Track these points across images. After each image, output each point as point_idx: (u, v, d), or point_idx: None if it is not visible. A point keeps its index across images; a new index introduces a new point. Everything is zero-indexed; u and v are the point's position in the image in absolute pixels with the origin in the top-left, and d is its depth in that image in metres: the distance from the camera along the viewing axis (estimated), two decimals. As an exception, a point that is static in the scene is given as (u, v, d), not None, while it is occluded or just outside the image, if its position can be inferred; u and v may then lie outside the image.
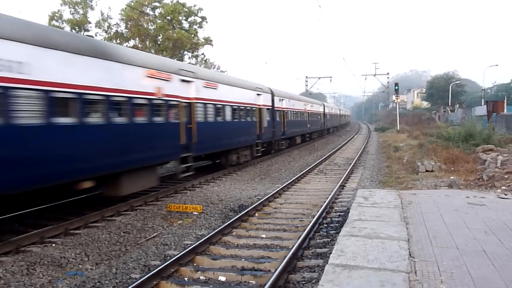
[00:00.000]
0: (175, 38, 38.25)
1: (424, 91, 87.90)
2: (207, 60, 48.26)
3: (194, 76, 14.37)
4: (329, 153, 27.51)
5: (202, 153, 15.80)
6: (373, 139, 43.73)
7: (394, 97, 54.39)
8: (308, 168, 19.80)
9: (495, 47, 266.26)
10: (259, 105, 21.98)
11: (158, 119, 11.92)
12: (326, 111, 45.14)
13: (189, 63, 43.71)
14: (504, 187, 12.45)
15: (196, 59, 44.20)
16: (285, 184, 15.25)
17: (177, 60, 41.00)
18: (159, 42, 40.32)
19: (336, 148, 31.49)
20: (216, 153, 17.78)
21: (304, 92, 71.38)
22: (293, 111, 30.71)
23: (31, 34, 7.96)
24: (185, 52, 41.95)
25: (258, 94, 21.95)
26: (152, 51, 39.73)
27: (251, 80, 22.69)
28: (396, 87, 46.68)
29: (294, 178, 16.71)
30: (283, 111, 27.58)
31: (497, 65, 68.40)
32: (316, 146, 35.72)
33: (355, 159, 23.66)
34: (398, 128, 47.23)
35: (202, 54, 43.20)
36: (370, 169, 20.04)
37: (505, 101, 41.77)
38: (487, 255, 5.93)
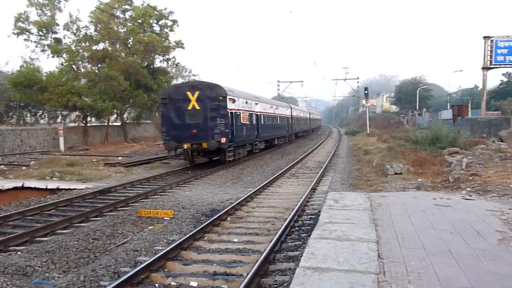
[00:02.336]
0: (146, 41, 37.88)
1: (392, 96, 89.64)
2: (179, 64, 48.04)
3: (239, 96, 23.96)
4: (301, 157, 27.67)
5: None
6: (343, 143, 44.26)
7: (363, 101, 55.28)
8: (280, 172, 19.86)
9: (460, 53, 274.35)
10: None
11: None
12: (294, 113, 39.71)
13: (160, 66, 43.38)
14: (468, 189, 12.80)
15: (167, 62, 43.91)
16: (257, 188, 15.25)
17: (147, 63, 40.72)
18: (129, 45, 39.84)
19: (308, 152, 31.70)
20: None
21: (276, 96, 71.87)
22: (247, 113, 25.17)
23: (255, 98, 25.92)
24: (156, 56, 41.59)
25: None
26: (123, 54, 39.24)
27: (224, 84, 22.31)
28: (366, 92, 47.42)
29: (266, 182, 16.73)
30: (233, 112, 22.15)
31: (461, 71, 71.18)
32: (288, 149, 35.87)
33: (326, 162, 23.89)
34: (368, 132, 47.90)
35: (173, 57, 43.03)
36: (341, 172, 20.26)
37: (470, 105, 42.95)
38: (452, 255, 6.09)
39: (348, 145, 40.88)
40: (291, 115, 42.25)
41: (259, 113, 28.14)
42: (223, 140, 20.71)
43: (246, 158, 26.80)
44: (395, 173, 17.13)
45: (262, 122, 29.31)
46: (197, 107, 20.37)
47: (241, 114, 23.50)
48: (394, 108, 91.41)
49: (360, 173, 19.85)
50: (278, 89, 65.08)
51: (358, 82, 63.61)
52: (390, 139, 33.87)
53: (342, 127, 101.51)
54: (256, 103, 27.47)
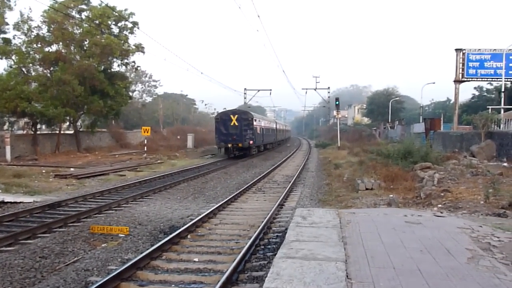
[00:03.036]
0: (103, 43, 37.38)
1: (364, 107, 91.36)
2: (138, 68, 47.60)
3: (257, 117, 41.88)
4: (268, 170, 27.80)
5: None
6: (313, 156, 44.78)
7: (335, 113, 56.09)
8: (246, 186, 19.88)
9: (432, 65, 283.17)
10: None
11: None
12: (255, 123, 43.53)
13: (118, 71, 42.88)
14: (440, 205, 13.16)
15: (126, 66, 43.42)
16: (221, 203, 15.22)
17: (104, 67, 40.18)
18: (85, 48, 39.21)
19: (276, 165, 31.88)
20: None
21: (243, 105, 72.08)
22: None
23: (261, 117, 49.43)
24: (114, 59, 41.06)
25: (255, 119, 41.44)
26: (77, 57, 38.58)
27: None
28: (337, 102, 48.25)
29: (230, 197, 16.72)
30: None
31: (434, 83, 73.01)
32: (254, 162, 36.01)
33: (295, 176, 24.08)
34: (339, 145, 48.66)
35: (133, 62, 42.59)
36: (310, 187, 20.47)
37: (442, 118, 44.12)
38: (422, 274, 6.24)
39: (318, 158, 41.39)
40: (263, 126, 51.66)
41: (263, 127, 46.42)
42: (251, 142, 39.63)
43: (210, 171, 27.42)
44: (366, 189, 17.45)
45: (264, 133, 46.94)
46: (236, 124, 39.15)
47: (257, 128, 42.31)
48: (366, 120, 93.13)
49: (330, 188, 20.11)
50: (245, 98, 65.30)
51: (329, 92, 64.53)
52: (361, 152, 34.50)
53: (312, 139, 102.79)
54: (260, 121, 45.38)
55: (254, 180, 22.24)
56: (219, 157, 40.35)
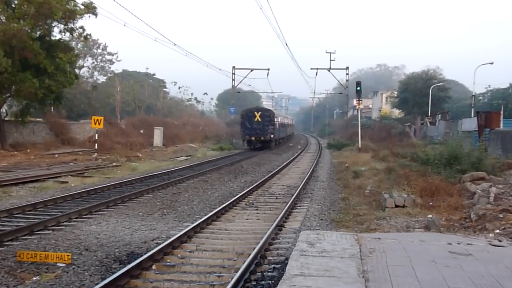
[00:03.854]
0: (39, 0, 37.13)
1: (395, 95, 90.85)
2: (88, 37, 46.95)
3: (278, 115, 66.73)
4: (263, 178, 27.83)
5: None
6: (324, 160, 44.90)
7: (355, 102, 56.25)
8: (233, 200, 19.87)
9: (489, 40, 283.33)
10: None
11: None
12: (276, 120, 58.57)
13: (60, 39, 42.55)
14: (498, 231, 13.12)
15: (72, 34, 43.06)
16: (198, 223, 15.18)
17: (40, 33, 39.90)
18: (13, 6, 38.97)
19: (273, 172, 31.95)
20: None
21: (230, 89, 72.11)
22: None
23: (279, 114, 75.62)
24: (55, 23, 40.79)
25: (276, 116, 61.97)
26: (3, 18, 38.34)
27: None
28: (358, 88, 48.20)
29: (211, 214, 16.68)
30: None
31: (492, 63, 71.92)
32: (245, 167, 36.10)
33: (299, 187, 24.11)
34: (360, 146, 48.72)
35: (81, 27, 42.21)
36: (320, 203, 20.48)
37: (502, 112, 43.63)
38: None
39: (331, 163, 41.54)
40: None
41: (280, 122, 66.22)
42: (272, 136, 58.31)
43: (184, 178, 27.74)
44: (396, 206, 17.49)
45: (280, 127, 66.72)
46: (259, 120, 57.49)
47: (277, 124, 60.89)
48: (397, 112, 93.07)
49: (346, 204, 20.15)
50: (233, 79, 65.35)
51: (347, 74, 64.66)
52: (390, 156, 34.65)
53: (323, 136, 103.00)
54: (278, 117, 64.28)
55: (244, 192, 22.25)
56: (197, 160, 41.77)
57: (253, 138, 58.27)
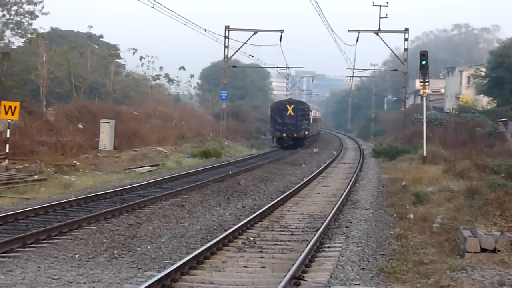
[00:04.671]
0: None
1: (483, 74, 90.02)
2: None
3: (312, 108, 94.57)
4: (272, 203, 27.74)
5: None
6: (368, 175, 44.84)
7: (418, 84, 55.94)
8: (223, 236, 19.75)
9: None
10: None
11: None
12: (311, 114, 64.92)
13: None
14: None
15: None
16: (168, 272, 15.06)
17: None
18: None
19: (288, 192, 31.94)
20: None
21: (222, 62, 72.04)
22: None
23: (313, 107, 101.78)
24: None
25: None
26: None
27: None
28: (424, 62, 48.06)
29: (189, 258, 16.57)
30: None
31: None
32: (244, 185, 36.14)
33: (329, 217, 24.00)
34: (425, 153, 48.57)
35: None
36: (361, 242, 20.39)
37: None
38: None
39: (378, 180, 41.71)
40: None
41: (314, 117, 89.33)
42: (306, 132, 78.84)
43: (148, 201, 28.00)
44: (483, 250, 17.31)
45: (314, 123, 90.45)
46: (292, 114, 76.65)
47: (311, 119, 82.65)
48: (485, 101, 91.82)
49: (403, 245, 20.03)
50: (226, 46, 65.23)
51: (407, 41, 64.35)
52: (473, 171, 34.40)
53: (367, 138, 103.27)
54: (312, 111, 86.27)
55: (241, 224, 22.14)
56: (168, 173, 42.58)
57: (284, 135, 73.48)
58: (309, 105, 76.45)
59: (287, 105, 69.61)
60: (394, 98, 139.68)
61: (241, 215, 25.15)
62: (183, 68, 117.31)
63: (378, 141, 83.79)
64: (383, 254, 18.84)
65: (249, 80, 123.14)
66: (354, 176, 42.29)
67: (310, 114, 71.46)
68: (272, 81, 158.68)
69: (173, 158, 53.19)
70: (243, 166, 48.13)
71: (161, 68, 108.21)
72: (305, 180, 38.63)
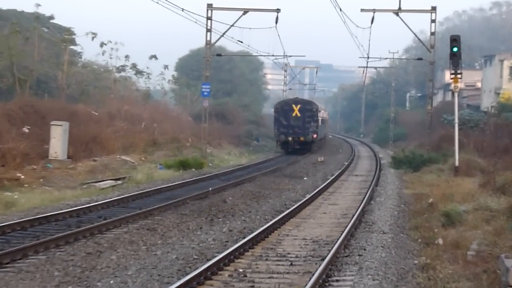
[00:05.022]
0: None
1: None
2: None
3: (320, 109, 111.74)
4: (266, 225, 27.73)
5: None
6: (387, 190, 44.92)
7: (448, 76, 55.92)
8: (206, 267, 19.72)
9: None
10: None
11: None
12: (320, 115, 66.24)
13: None
14: None
15: None
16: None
17: None
18: None
19: (286, 212, 31.95)
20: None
21: (204, 50, 72.08)
22: None
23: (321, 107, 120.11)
24: None
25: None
26: None
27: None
28: (455, 49, 48.22)
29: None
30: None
31: None
32: (231, 203, 36.14)
33: (337, 243, 23.98)
34: (457, 163, 48.67)
35: None
36: (378, 274, 20.41)
37: None
38: None
39: (399, 196, 41.83)
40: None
41: (322, 118, 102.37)
42: (314, 136, 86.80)
43: (112, 223, 28.02)
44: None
45: (322, 124, 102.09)
46: (299, 114, 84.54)
47: (319, 120, 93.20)
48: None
49: (430, 278, 20.03)
50: (209, 29, 65.19)
51: (434, 23, 64.48)
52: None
53: (384, 144, 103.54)
54: (321, 110, 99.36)
55: (228, 252, 22.09)
56: (136, 188, 42.72)
57: (290, 139, 79.26)
58: (318, 104, 78.79)
59: (293, 105, 72.32)
60: (419, 94, 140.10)
61: (227, 241, 25.08)
62: (155, 57, 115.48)
63: (398, 148, 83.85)
64: (406, 290, 18.83)
65: (237, 72, 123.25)
66: (369, 192, 42.33)
67: (318, 115, 73.57)
68: (266, 73, 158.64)
69: (142, 169, 53.16)
70: (231, 180, 48.31)
71: (127, 57, 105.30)
72: (308, 196, 38.61)
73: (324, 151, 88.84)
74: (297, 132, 72.05)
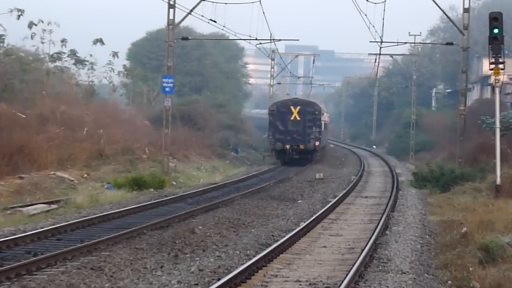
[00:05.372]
0: None
1: None
2: None
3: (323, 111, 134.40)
4: (248, 263, 27.59)
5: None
6: (406, 217, 44.86)
7: (487, 66, 56.19)
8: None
9: None
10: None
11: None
12: (323, 118, 67.62)
13: None
14: None
15: None
16: None
17: None
18: None
19: (274, 246, 31.78)
20: None
21: (165, 32, 72.30)
22: None
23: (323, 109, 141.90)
24: None
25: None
26: None
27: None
28: (496, 30, 48.33)
29: None
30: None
31: None
32: (201, 234, 36.06)
33: (343, 286, 23.92)
34: (499, 180, 48.71)
35: None
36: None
37: None
38: None
39: (422, 224, 41.67)
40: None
41: (325, 122, 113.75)
42: (316, 144, 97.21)
43: (45, 259, 27.57)
44: None
45: (325, 130, 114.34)
46: (298, 118, 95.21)
47: (322, 124, 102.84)
48: None
49: None
50: (172, 4, 65.31)
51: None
52: None
53: (403, 155, 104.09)
54: (324, 113, 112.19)
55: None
56: (76, 215, 42.26)
57: (287, 147, 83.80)
58: (320, 106, 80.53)
59: (291, 107, 74.57)
60: (448, 90, 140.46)
61: (196, 284, 24.94)
62: (101, 41, 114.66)
63: (421, 161, 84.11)
64: None
65: (210, 62, 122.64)
66: (383, 219, 42.24)
67: (322, 118, 75.52)
68: (248, 63, 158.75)
69: (84, 190, 52.88)
70: (201, 203, 48.13)
71: (64, 41, 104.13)
72: (303, 225, 38.48)
73: (324, 165, 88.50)
74: (296, 139, 73.86)
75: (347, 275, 26.09)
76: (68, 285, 24.69)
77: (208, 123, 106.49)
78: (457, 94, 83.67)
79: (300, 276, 27.20)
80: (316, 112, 72.80)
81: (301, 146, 71.58)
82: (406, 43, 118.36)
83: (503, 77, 50.90)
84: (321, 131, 77.79)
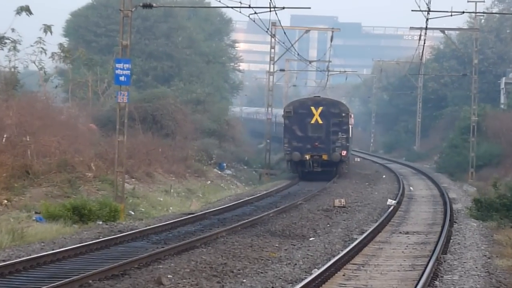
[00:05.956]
0: None
1: None
2: None
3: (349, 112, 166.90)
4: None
5: None
6: (464, 258, 45.05)
7: None
8: None
9: None
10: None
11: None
12: (350, 122, 68.27)
13: None
14: None
15: None
16: None
17: None
18: None
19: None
20: None
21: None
22: None
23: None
24: None
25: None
26: None
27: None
28: None
29: None
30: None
31: None
32: (170, 285, 36.06)
33: None
34: None
35: None
36: None
37: None
38: None
39: (487, 270, 41.73)
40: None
41: (352, 127, 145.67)
42: (343, 153, 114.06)
43: None
44: None
45: (351, 136, 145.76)
46: (320, 122, 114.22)
47: (350, 128, 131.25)
48: None
49: None
50: None
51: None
52: None
53: (459, 174, 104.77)
54: (351, 115, 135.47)
55: None
56: None
57: (307, 157, 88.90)
58: (347, 106, 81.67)
59: (312, 108, 77.79)
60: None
61: None
62: (27, 10, 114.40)
63: (485, 181, 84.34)
64: None
65: (183, 39, 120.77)
66: (431, 264, 42.33)
67: (350, 122, 76.70)
68: (237, 41, 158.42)
69: (4, 222, 52.79)
70: (171, 242, 47.83)
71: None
72: (316, 273, 38.42)
73: (346, 186, 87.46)
74: (318, 148, 77.40)
75: None
76: None
77: (180, 128, 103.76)
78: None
79: None
80: (343, 114, 74.12)
81: (324, 157, 74.01)
82: (464, 12, 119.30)
83: None
84: (349, 137, 79.93)
